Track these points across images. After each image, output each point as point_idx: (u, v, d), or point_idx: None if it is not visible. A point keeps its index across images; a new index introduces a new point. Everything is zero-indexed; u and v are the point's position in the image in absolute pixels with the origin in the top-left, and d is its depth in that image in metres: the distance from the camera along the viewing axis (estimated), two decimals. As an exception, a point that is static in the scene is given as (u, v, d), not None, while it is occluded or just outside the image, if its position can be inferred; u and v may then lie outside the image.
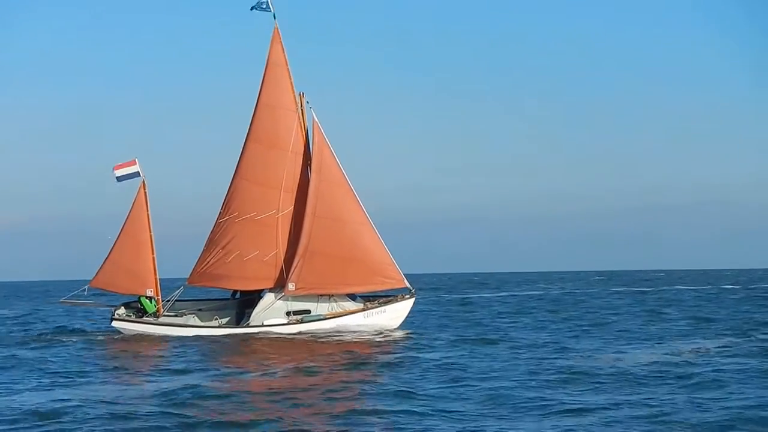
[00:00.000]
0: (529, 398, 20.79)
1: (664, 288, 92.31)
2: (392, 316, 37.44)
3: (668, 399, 20.45)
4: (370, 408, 19.80)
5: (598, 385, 22.49)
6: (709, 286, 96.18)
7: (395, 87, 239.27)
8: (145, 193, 37.62)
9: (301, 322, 36.70)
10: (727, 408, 19.38)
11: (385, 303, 37.59)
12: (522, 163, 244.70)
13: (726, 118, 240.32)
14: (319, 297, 37.19)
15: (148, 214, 37.47)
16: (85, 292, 37.35)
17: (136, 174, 37.49)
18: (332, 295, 37.29)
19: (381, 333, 35.89)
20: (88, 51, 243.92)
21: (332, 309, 37.22)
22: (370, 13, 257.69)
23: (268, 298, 37.13)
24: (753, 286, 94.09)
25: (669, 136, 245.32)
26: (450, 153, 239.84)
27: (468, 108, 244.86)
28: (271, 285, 37.40)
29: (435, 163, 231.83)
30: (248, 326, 36.65)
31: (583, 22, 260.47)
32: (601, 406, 19.73)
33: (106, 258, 37.25)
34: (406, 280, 37.55)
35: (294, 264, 36.94)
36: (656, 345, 31.57)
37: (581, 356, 28.42)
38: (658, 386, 22.27)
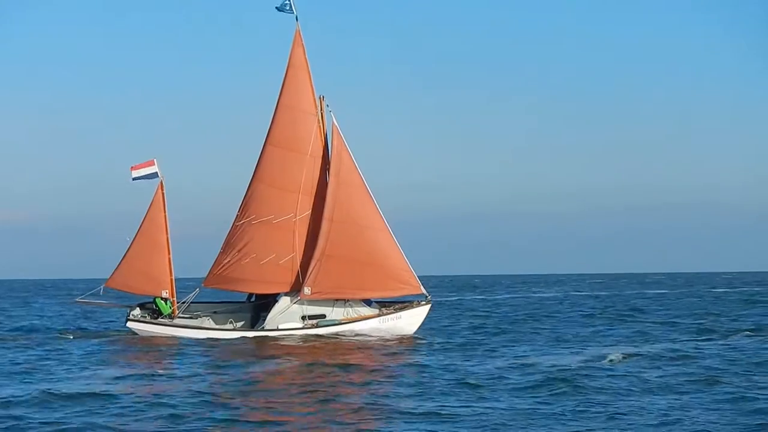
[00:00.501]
0: (395, 405, 20.86)
1: (648, 291, 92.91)
2: (408, 322, 37.26)
3: (524, 407, 20.51)
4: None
5: (476, 392, 22.58)
6: (690, 289, 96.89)
7: (396, 86, 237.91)
8: (163, 193, 37.41)
9: (317, 326, 36.52)
10: (581, 419, 19.35)
11: (401, 309, 37.43)
12: (526, 162, 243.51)
13: (731, 118, 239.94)
14: (335, 302, 37.01)
15: (165, 215, 37.28)
16: (101, 292, 37.16)
17: (155, 175, 37.27)
18: (348, 300, 37.12)
19: (392, 339, 35.84)
20: (93, 51, 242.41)
21: (348, 314, 37.05)
22: (372, 13, 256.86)
23: (284, 302, 36.95)
24: (744, 289, 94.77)
25: (674, 135, 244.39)
26: (451, 152, 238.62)
27: (474, 108, 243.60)
28: (287, 289, 37.22)
29: (436, 162, 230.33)
30: (263, 330, 36.46)
31: (585, 21, 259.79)
32: (457, 413, 19.82)
33: (123, 258, 37.08)
34: (422, 287, 37.42)
35: (310, 268, 36.76)
36: (582, 349, 31.71)
37: (491, 362, 28.56)
38: (535, 393, 22.30)
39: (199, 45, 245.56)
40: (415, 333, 37.10)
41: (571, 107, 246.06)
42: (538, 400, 21.40)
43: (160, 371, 26.67)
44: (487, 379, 24.52)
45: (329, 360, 28.93)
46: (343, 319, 36.83)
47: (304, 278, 36.77)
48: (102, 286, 37.09)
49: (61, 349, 32.69)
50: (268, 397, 21.85)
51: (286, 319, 36.66)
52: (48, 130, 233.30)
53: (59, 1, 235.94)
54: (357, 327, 36.60)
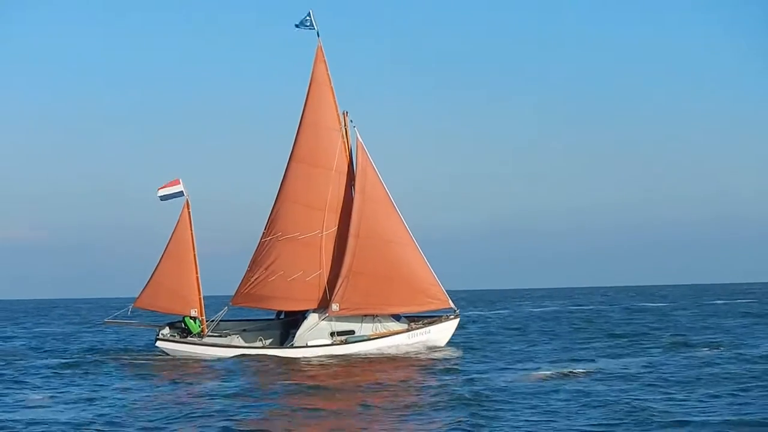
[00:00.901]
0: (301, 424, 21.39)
1: (648, 304, 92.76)
2: (437, 336, 37.26)
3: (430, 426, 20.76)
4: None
5: (406, 411, 22.80)
6: (690, 301, 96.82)
7: (400, 90, 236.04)
8: (189, 212, 37.36)
9: (345, 342, 36.44)
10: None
11: (430, 323, 37.38)
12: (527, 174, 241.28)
13: (731, 119, 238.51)
14: (363, 318, 36.98)
15: (191, 234, 37.26)
16: (129, 312, 37.07)
17: (180, 193, 37.24)
18: (376, 316, 37.05)
19: (423, 353, 35.85)
20: (94, 51, 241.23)
21: (376, 330, 36.99)
22: (374, 18, 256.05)
23: (312, 318, 36.90)
24: (742, 301, 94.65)
25: (674, 136, 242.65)
26: (457, 160, 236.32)
27: (477, 110, 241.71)
28: (314, 305, 37.20)
29: (442, 169, 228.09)
30: (292, 347, 36.38)
31: (585, 21, 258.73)
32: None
33: (150, 278, 37.07)
34: (450, 301, 37.37)
35: (338, 284, 36.75)
36: (539, 366, 31.67)
37: (441, 377, 28.81)
38: (452, 412, 22.44)
39: (202, 47, 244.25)
40: (443, 347, 37.06)
41: (571, 108, 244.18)
42: (451, 419, 21.49)
43: (67, 397, 26.36)
44: (425, 397, 24.76)
45: (231, 381, 29.09)
46: (372, 335, 36.76)
47: (331, 295, 36.73)
48: (130, 306, 37.06)
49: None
50: (144, 425, 21.73)
51: (314, 335, 36.60)
52: (49, 136, 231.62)
53: (59, 1, 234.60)
54: (386, 342, 36.51)
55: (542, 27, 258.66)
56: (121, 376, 30.84)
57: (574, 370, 29.60)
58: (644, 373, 29.12)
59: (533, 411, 22.31)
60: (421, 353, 35.80)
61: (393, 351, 36.09)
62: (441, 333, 37.39)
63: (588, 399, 23.77)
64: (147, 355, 37.70)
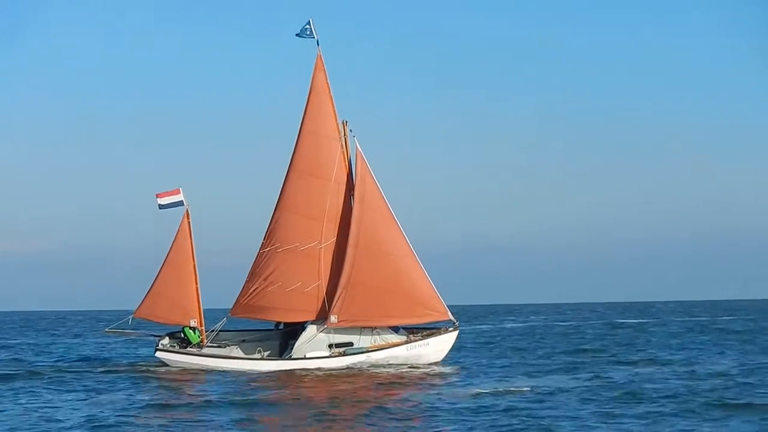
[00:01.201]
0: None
1: (630, 320, 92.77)
2: (435, 348, 37.11)
3: None
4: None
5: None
6: (672, 318, 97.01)
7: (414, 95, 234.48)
8: (189, 222, 37.31)
9: (344, 354, 36.34)
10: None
11: (429, 335, 37.27)
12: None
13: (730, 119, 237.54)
14: (362, 329, 36.87)
15: (191, 244, 37.21)
16: (129, 322, 36.98)
17: (180, 203, 37.20)
18: (375, 328, 36.96)
19: (419, 366, 35.81)
20: (93, 53, 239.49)
21: (375, 341, 36.91)
22: (378, 17, 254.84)
23: (311, 330, 36.83)
24: (723, 318, 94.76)
25: (674, 136, 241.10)
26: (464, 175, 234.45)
27: (480, 111, 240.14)
28: (313, 317, 37.14)
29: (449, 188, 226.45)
30: (290, 358, 36.30)
31: (584, 21, 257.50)
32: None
33: (150, 288, 37.03)
34: (450, 313, 37.28)
35: (336, 296, 36.68)
36: (480, 382, 31.60)
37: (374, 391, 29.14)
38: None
39: (202, 47, 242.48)
40: (442, 359, 37.00)
41: (571, 108, 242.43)
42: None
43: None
44: (349, 411, 25.04)
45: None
46: (371, 347, 36.67)
47: (330, 306, 36.65)
48: (130, 317, 37.02)
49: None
50: None
51: (312, 347, 36.53)
52: (49, 136, 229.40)
53: (59, 2, 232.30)
54: (384, 354, 36.43)
55: (542, 27, 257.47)
56: (58, 390, 30.73)
57: (516, 387, 29.57)
58: (585, 389, 29.11)
59: (453, 429, 22.27)
60: (408, 366, 35.86)
61: (391, 363, 36.06)
62: (439, 345, 37.24)
63: (513, 415, 23.82)
64: (107, 367, 38.09)
